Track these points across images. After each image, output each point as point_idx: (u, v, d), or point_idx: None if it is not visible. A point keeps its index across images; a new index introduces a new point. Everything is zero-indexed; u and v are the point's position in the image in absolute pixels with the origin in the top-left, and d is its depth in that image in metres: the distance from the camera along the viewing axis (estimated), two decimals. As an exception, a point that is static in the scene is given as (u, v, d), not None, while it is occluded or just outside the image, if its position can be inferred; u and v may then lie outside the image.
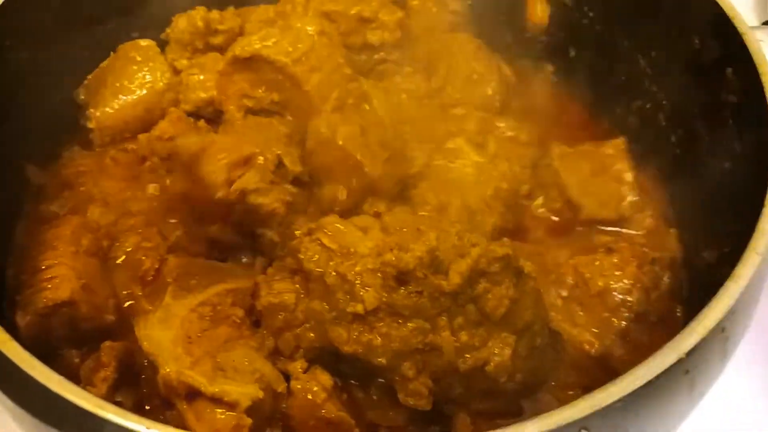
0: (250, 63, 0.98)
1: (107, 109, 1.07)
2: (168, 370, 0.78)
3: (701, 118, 0.95)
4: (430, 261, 0.75)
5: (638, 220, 1.00)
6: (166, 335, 0.83)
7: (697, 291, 0.90)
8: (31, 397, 0.64)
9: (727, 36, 0.89)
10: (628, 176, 1.00)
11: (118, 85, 1.07)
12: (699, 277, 0.90)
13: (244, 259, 0.95)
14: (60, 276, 0.85)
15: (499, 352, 0.75)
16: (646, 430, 0.63)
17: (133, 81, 1.07)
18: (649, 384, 0.60)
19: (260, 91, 1.00)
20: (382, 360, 0.77)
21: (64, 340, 0.86)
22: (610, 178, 0.99)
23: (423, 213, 0.89)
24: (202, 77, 1.08)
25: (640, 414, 0.61)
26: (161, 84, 1.08)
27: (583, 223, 0.98)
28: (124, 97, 1.07)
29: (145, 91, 1.07)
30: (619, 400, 0.59)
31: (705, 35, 0.94)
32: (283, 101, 1.00)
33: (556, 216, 1.00)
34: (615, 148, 1.02)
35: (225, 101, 1.02)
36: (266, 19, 1.11)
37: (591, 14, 1.14)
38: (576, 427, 0.58)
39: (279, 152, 0.91)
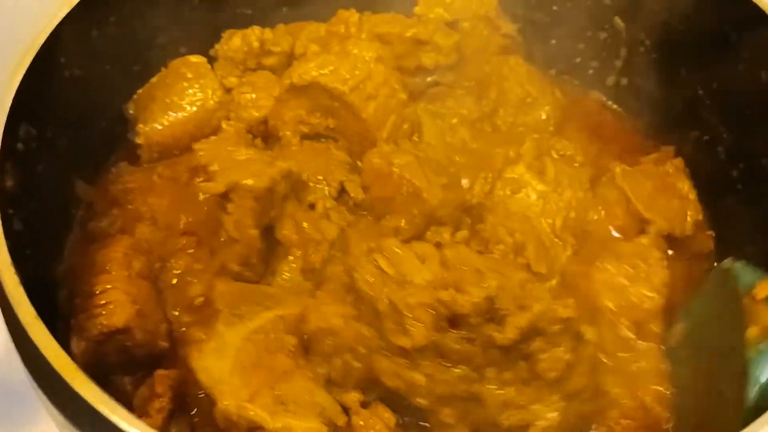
0: (307, 90, 0.97)
1: (156, 125, 1.05)
2: (227, 403, 0.76)
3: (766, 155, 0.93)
4: (487, 308, 0.73)
5: (701, 240, 1.00)
6: (222, 365, 0.80)
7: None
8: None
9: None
10: (692, 195, 1.00)
11: (168, 101, 1.05)
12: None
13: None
14: (114, 301, 0.83)
15: (546, 415, 0.73)
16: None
17: (183, 98, 1.06)
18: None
19: (316, 116, 0.99)
20: (423, 401, 0.75)
21: (117, 366, 0.84)
22: (673, 195, 0.98)
23: (495, 254, 0.87)
24: (254, 96, 1.06)
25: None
26: (212, 102, 1.06)
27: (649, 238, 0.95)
28: (174, 114, 1.05)
29: (195, 108, 1.06)
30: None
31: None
32: (339, 127, 1.00)
33: (619, 232, 0.98)
34: (675, 167, 1.01)
35: (281, 126, 1.00)
36: (317, 38, 1.10)
37: (647, 42, 1.12)
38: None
39: (342, 179, 0.89)
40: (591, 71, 1.19)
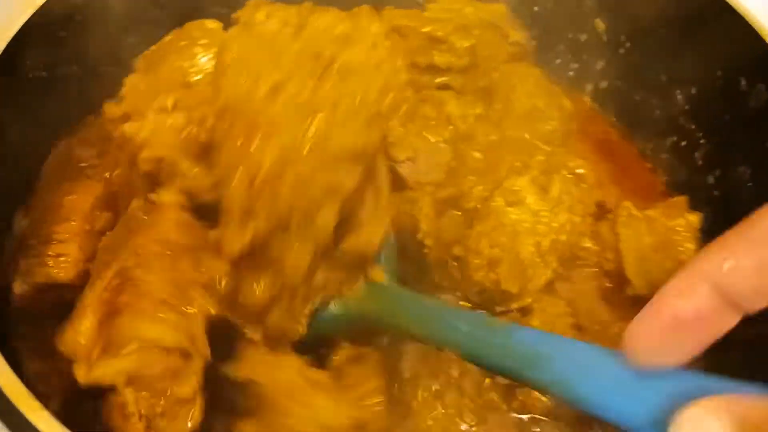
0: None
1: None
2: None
3: (746, 164, 0.93)
4: None
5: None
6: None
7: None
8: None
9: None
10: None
11: (177, 65, 1.02)
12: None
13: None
14: (67, 255, 0.82)
15: None
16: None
17: (194, 64, 1.02)
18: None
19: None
20: None
21: (53, 313, 0.81)
22: (669, 257, 0.91)
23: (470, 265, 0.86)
24: None
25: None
26: None
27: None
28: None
29: (201, 77, 1.02)
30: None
31: (754, 78, 0.91)
32: None
33: (607, 279, 0.95)
34: (688, 225, 0.92)
35: None
36: None
37: (627, 44, 1.11)
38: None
39: None
40: (571, 73, 1.19)
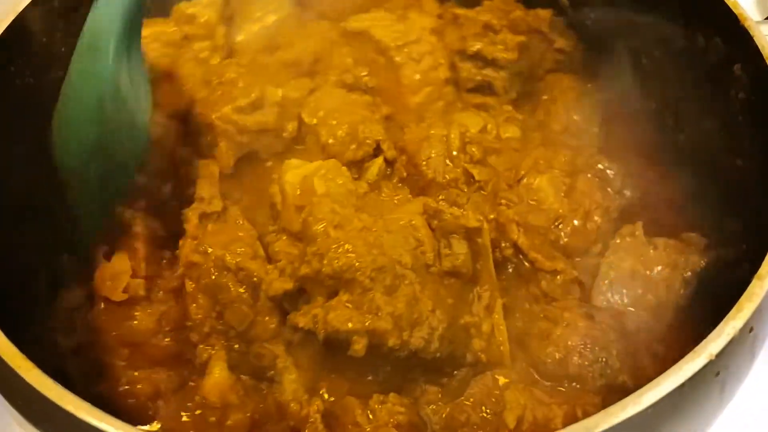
0: (358, 38, 1.02)
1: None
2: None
3: (711, 117, 0.95)
4: None
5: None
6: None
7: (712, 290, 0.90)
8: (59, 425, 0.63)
9: (734, 33, 0.89)
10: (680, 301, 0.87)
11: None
12: (715, 276, 0.90)
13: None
14: None
15: None
16: (679, 432, 0.62)
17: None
18: (681, 387, 0.60)
19: (360, 70, 1.04)
20: None
21: None
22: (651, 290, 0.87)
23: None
24: None
25: (672, 417, 0.61)
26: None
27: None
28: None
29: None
30: (650, 406, 0.59)
31: (710, 33, 0.93)
32: (378, 87, 1.03)
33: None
34: (685, 265, 0.88)
35: (326, 69, 1.05)
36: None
37: (592, 15, 1.14)
38: (609, 435, 0.57)
39: (379, 138, 0.94)
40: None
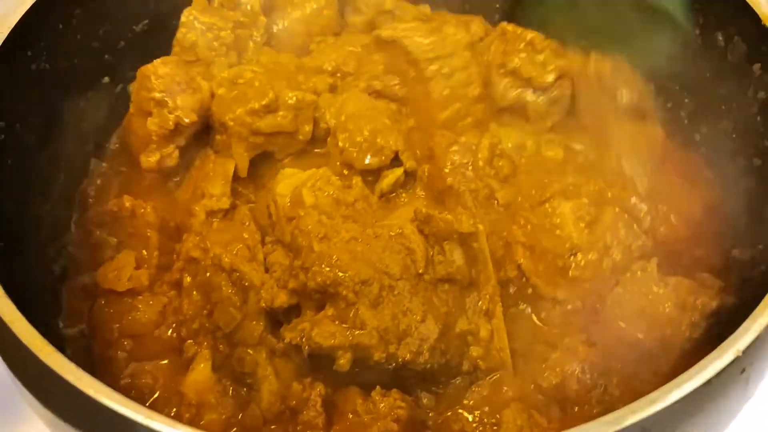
0: (390, 47, 1.01)
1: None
2: None
3: (729, 116, 0.95)
4: None
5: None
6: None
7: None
8: (76, 410, 0.62)
9: (753, 31, 0.89)
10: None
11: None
12: (733, 275, 0.89)
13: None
14: None
15: None
16: (703, 428, 0.62)
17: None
18: (707, 384, 0.60)
19: (390, 78, 1.03)
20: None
21: None
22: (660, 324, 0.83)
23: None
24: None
25: (697, 413, 0.61)
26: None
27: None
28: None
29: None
30: (678, 401, 0.59)
31: (729, 32, 0.93)
32: (407, 97, 1.02)
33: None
34: (699, 308, 0.83)
35: (357, 75, 1.04)
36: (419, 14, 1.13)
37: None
38: (637, 429, 0.57)
39: (398, 148, 0.95)
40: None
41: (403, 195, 0.98)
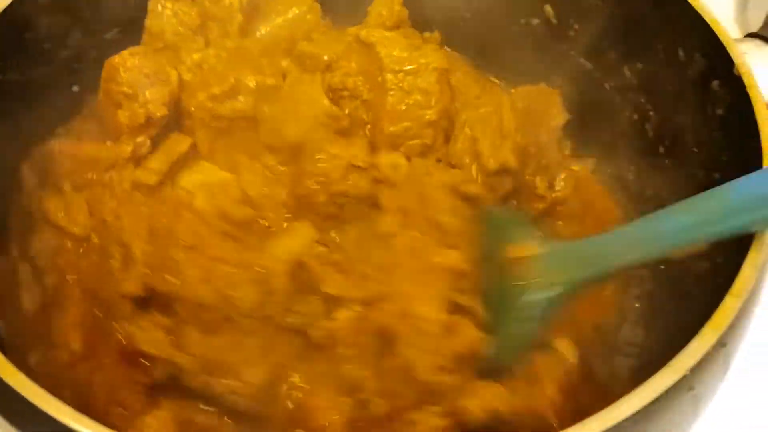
0: (367, 50, 1.01)
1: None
2: None
3: (690, 131, 0.97)
4: None
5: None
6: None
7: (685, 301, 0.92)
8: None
9: (712, 49, 0.91)
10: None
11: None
12: (690, 287, 0.92)
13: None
14: None
15: None
16: (652, 446, 0.64)
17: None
18: (655, 402, 0.61)
19: (360, 80, 1.01)
20: None
21: None
22: None
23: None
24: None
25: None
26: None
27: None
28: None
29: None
30: (626, 420, 0.60)
31: (690, 48, 0.95)
32: (368, 104, 1.01)
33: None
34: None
35: (335, 71, 1.03)
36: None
37: (576, 26, 1.15)
38: (585, 448, 0.59)
39: None
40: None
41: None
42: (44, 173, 1.00)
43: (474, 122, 1.03)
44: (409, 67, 0.98)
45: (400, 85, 0.98)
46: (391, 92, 0.98)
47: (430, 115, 0.99)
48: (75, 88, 1.09)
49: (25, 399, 0.61)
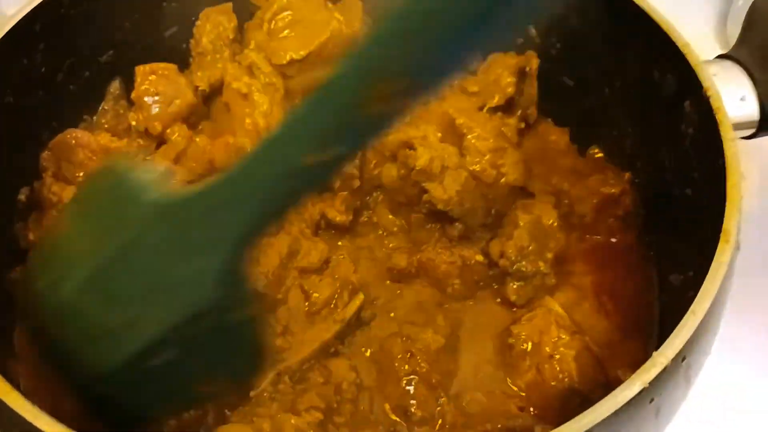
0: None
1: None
2: None
3: (665, 148, 1.00)
4: None
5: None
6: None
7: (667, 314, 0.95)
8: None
9: (683, 71, 0.94)
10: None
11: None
12: (669, 300, 0.95)
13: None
14: None
15: None
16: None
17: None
18: (617, 413, 0.64)
19: None
20: None
21: None
22: None
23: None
24: None
25: (609, 442, 0.65)
26: None
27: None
28: None
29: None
30: (588, 430, 0.63)
31: (663, 69, 0.98)
32: None
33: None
34: None
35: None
36: None
37: (558, 45, 1.18)
38: (547, 458, 0.62)
39: None
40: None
41: None
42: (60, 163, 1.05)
43: None
44: None
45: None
46: None
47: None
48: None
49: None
